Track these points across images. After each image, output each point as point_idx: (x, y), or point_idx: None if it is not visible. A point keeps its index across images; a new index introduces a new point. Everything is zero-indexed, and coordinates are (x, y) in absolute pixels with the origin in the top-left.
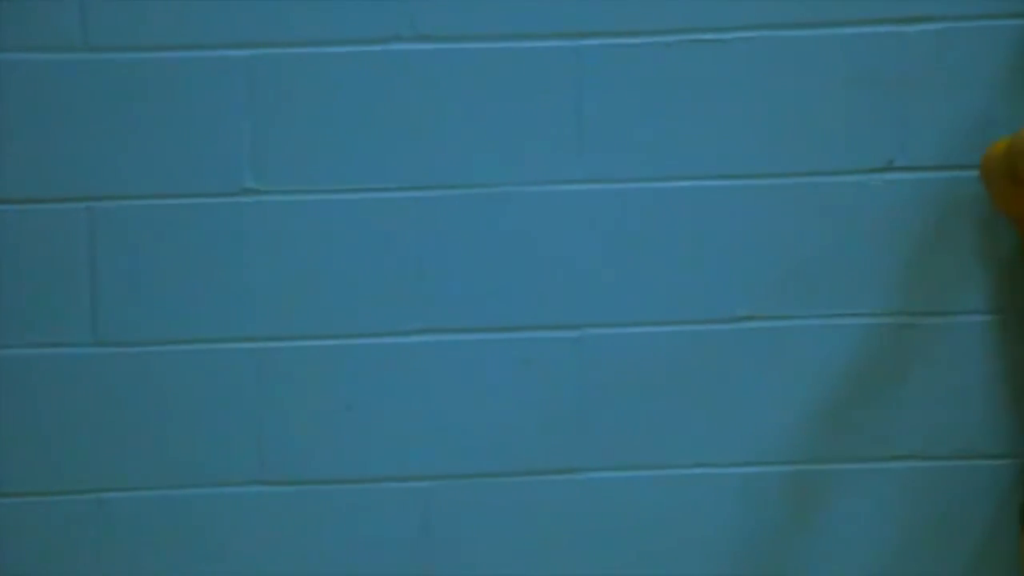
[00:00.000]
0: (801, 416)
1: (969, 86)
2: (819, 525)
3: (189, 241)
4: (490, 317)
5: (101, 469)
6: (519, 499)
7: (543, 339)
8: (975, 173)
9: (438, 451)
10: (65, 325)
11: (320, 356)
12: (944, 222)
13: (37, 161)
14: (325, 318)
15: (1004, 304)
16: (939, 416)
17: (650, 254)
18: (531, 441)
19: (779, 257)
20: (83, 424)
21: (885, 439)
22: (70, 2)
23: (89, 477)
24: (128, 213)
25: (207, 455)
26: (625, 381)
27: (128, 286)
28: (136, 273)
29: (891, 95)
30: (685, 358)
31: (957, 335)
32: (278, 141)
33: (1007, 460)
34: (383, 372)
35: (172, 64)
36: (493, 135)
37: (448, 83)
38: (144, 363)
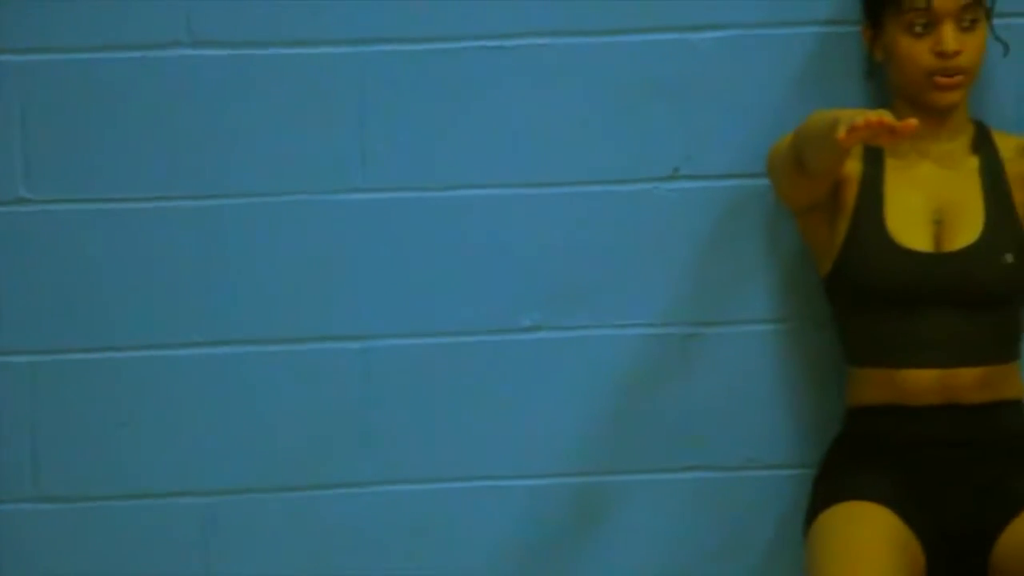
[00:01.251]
0: (587, 427)
1: (754, 95)
2: (606, 536)
3: None
4: (271, 328)
5: None
6: (302, 513)
7: (326, 350)
8: (760, 181)
9: (218, 466)
10: None
11: (93, 371)
12: (729, 231)
13: None
14: (98, 331)
15: (788, 313)
16: (725, 426)
17: (435, 264)
18: (315, 454)
19: (565, 267)
20: None
21: (671, 450)
22: None
23: None
24: None
25: None
26: (410, 393)
27: None
28: None
29: (676, 103)
30: (470, 369)
31: (742, 344)
32: (50, 151)
33: (792, 470)
34: (160, 387)
35: None
36: (274, 142)
37: (227, 90)
38: None
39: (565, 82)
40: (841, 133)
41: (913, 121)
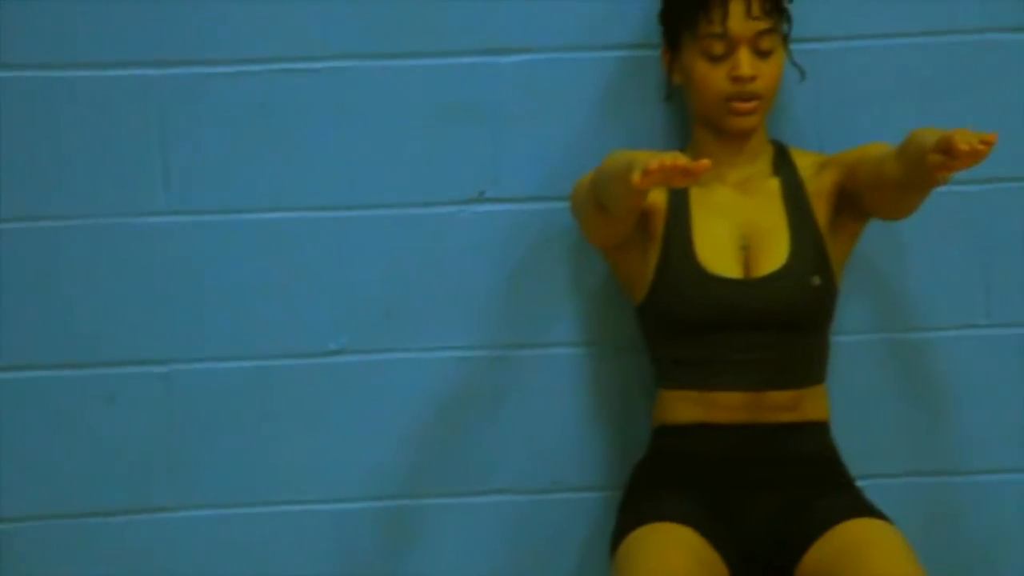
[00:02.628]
0: (395, 451)
1: (558, 118)
2: (414, 560)
3: None
4: (73, 352)
5: None
6: (105, 541)
7: (130, 375)
8: (566, 204)
9: (11, 492)
10: None
11: None
12: (536, 254)
13: None
14: None
15: (595, 336)
16: (532, 449)
17: (240, 287)
18: (119, 479)
19: (372, 290)
20: None
21: (479, 473)
22: None
23: None
24: None
25: None
26: (215, 417)
27: None
28: None
29: (482, 126)
30: (276, 393)
31: (549, 367)
32: None
33: (599, 492)
34: None
35: None
36: (74, 165)
37: (26, 112)
38: None
39: (371, 104)
40: (636, 178)
41: (706, 162)
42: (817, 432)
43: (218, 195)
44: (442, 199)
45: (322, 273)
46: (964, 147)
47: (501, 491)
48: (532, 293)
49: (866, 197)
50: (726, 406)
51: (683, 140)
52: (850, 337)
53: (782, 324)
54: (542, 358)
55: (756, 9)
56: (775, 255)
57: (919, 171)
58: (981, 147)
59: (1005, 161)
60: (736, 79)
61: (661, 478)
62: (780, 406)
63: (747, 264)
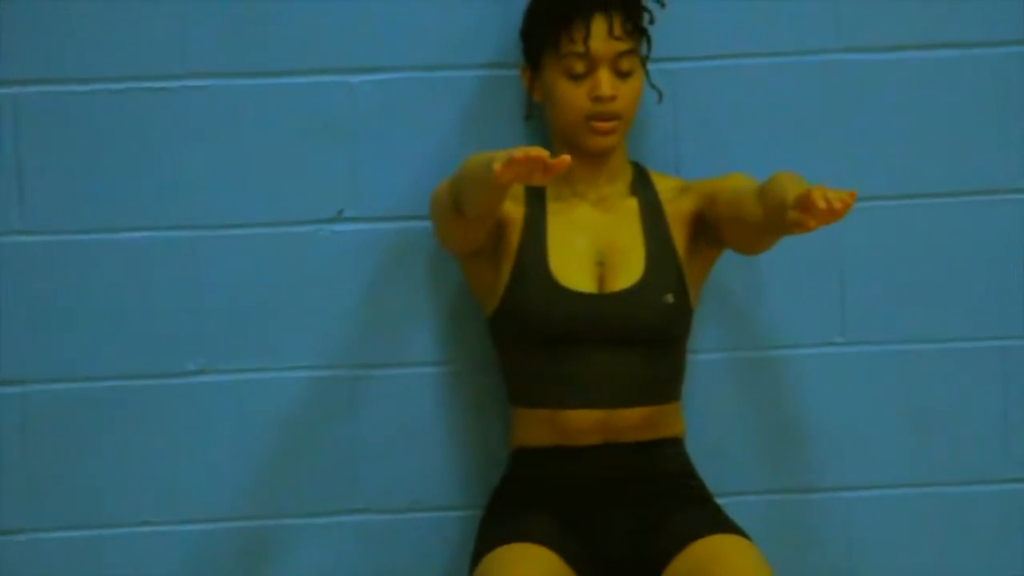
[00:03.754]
0: (253, 470)
1: (417, 137)
2: None
3: None
4: None
5: None
6: None
7: None
8: (424, 223)
9: None
10: None
11: None
12: (394, 273)
13: None
14: None
15: (453, 354)
16: (390, 468)
17: (97, 306)
18: None
19: (230, 309)
20: None
21: (337, 492)
22: None
23: None
24: None
25: None
26: (70, 438)
27: None
28: None
29: (341, 145)
30: (133, 413)
31: (407, 386)
32: None
33: (458, 511)
34: None
35: None
36: None
37: None
38: None
39: (228, 123)
40: (498, 167)
41: (566, 158)
42: (673, 449)
43: (74, 214)
44: (301, 218)
45: (180, 293)
46: (822, 205)
47: (360, 511)
48: (390, 312)
49: (723, 229)
50: (579, 426)
51: None
52: (707, 355)
53: (634, 340)
54: (400, 377)
55: (618, 30)
56: (630, 272)
57: (778, 220)
58: (838, 206)
59: (860, 180)
60: (596, 99)
61: (519, 498)
62: (634, 425)
63: (602, 280)
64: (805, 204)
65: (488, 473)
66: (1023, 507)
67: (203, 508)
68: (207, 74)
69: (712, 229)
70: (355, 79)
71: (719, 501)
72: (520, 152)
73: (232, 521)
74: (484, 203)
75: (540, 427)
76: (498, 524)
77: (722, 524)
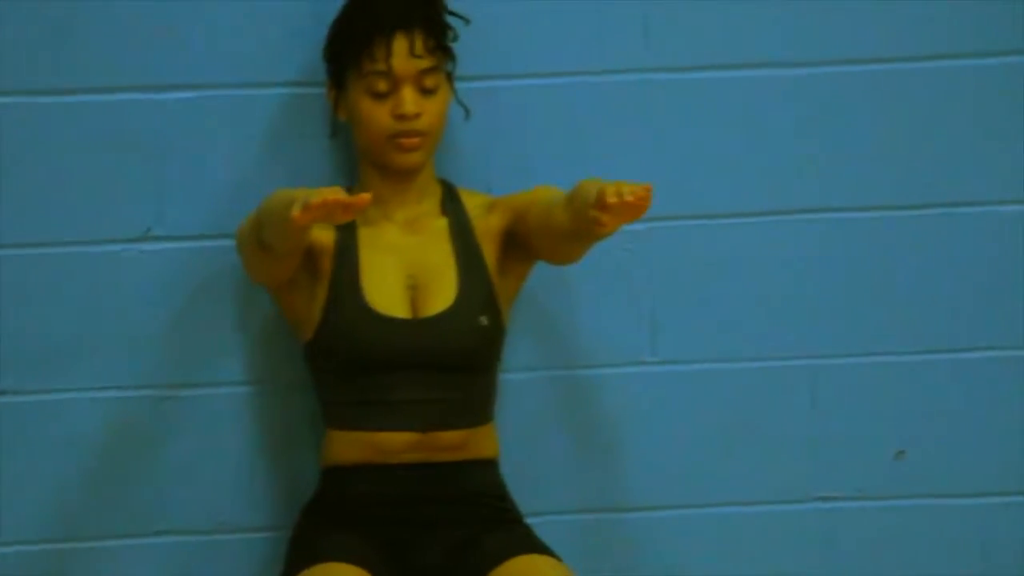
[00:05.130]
0: (59, 492)
1: (223, 156)
2: None
3: None
4: None
5: None
6: None
7: None
8: (232, 242)
9: None
10: None
11: None
12: (202, 292)
13: None
14: None
15: (262, 375)
16: (199, 489)
17: None
18: None
19: (36, 329)
20: None
21: (145, 514)
22: None
23: None
24: None
25: None
26: None
27: None
28: None
29: (147, 163)
30: None
31: (216, 407)
32: None
33: (266, 532)
34: None
35: None
36: None
37: None
38: None
39: (35, 141)
40: (295, 214)
41: (366, 196)
42: (486, 470)
43: None
44: (107, 237)
45: None
46: (613, 200)
47: (166, 532)
48: (198, 332)
49: (534, 242)
50: (394, 448)
51: (350, 177)
52: (519, 375)
53: (450, 365)
54: (208, 397)
55: (419, 48)
56: (443, 295)
57: (583, 223)
58: (630, 199)
59: (667, 200)
60: (400, 116)
61: (330, 518)
62: (449, 446)
63: (415, 304)
64: (601, 202)
65: (298, 495)
66: (830, 525)
67: (8, 530)
68: (12, 92)
69: (523, 242)
70: (162, 96)
71: (530, 521)
72: (316, 199)
73: (37, 544)
74: (287, 242)
75: (354, 447)
76: (306, 543)
77: (532, 544)
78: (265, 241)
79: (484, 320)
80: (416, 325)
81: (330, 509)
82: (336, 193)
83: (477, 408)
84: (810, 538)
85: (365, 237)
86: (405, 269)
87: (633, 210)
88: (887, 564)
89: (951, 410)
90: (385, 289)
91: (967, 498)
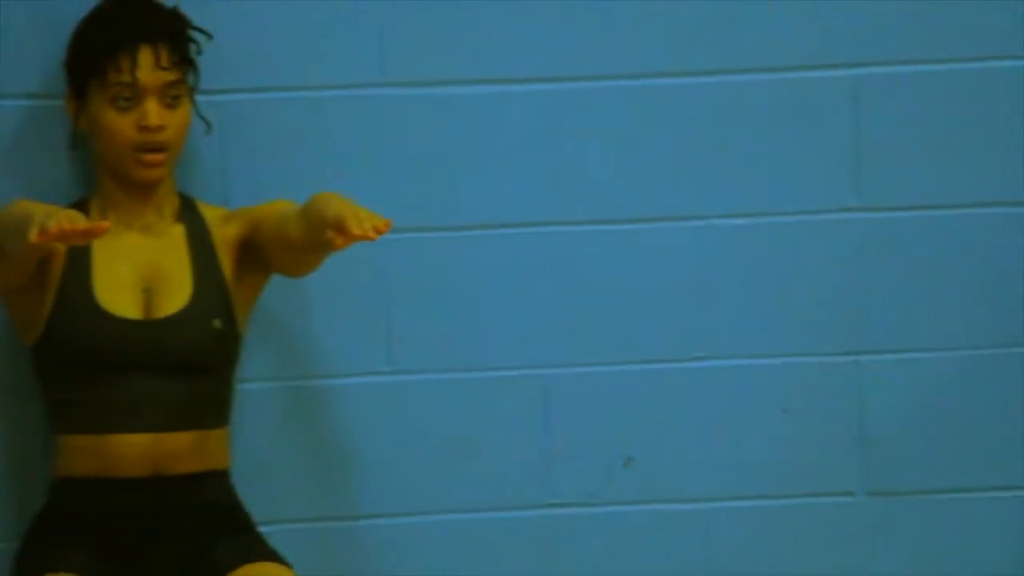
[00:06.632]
0: None
1: None
2: None
3: None
4: None
5: None
6: None
7: None
8: None
9: None
10: None
11: None
12: None
13: None
14: None
15: None
16: None
17: None
18: None
19: None
20: None
21: None
22: None
23: None
24: None
25: None
26: None
27: None
28: None
29: None
30: None
31: None
32: None
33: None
34: None
35: None
36: None
37: None
38: None
39: None
40: (33, 237)
41: (105, 224)
42: (218, 481)
43: None
44: None
45: None
46: (357, 232)
47: None
48: None
49: (269, 253)
50: (126, 453)
51: (89, 188)
52: (255, 384)
53: (181, 366)
54: None
55: (164, 60)
56: (177, 298)
57: (317, 237)
58: (371, 234)
59: (403, 212)
60: (144, 129)
61: (59, 530)
62: (181, 452)
63: (148, 306)
64: (340, 227)
65: (28, 505)
66: (560, 531)
67: None
68: None
69: (258, 253)
70: None
71: (264, 530)
72: (54, 226)
73: None
74: (24, 255)
75: (84, 456)
76: (33, 556)
77: (264, 552)
78: (2, 250)
79: (218, 323)
80: (148, 325)
81: (60, 521)
82: (74, 221)
83: (210, 411)
84: (541, 544)
85: (100, 241)
86: (139, 272)
87: (369, 239)
88: (615, 568)
89: (677, 418)
90: (117, 290)
91: (691, 503)
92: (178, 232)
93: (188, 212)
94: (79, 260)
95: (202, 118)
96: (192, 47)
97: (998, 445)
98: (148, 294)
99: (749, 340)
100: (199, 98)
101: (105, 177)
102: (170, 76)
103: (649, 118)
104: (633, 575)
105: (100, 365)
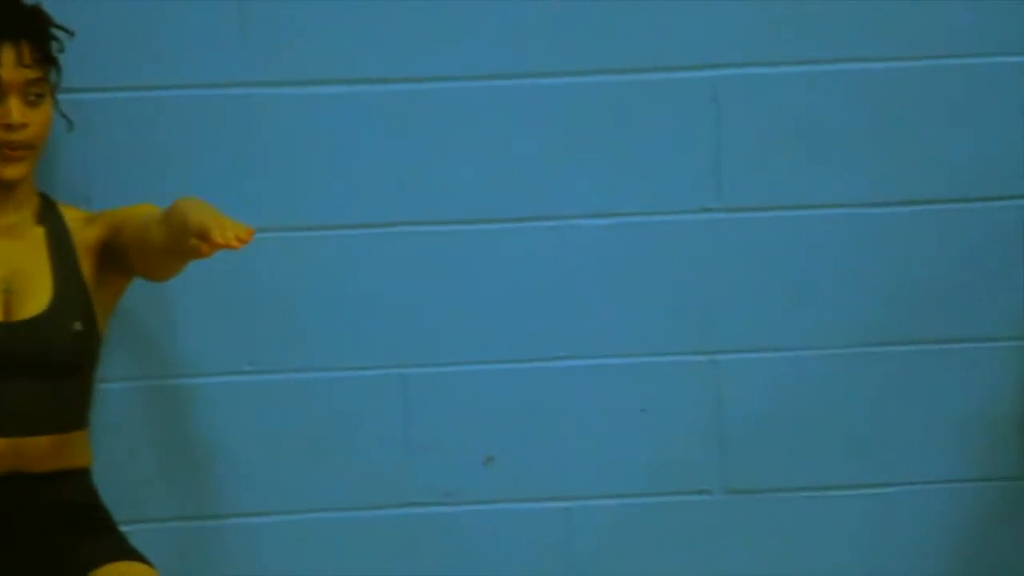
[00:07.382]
0: None
1: None
2: None
3: None
4: None
5: None
6: None
7: None
8: None
9: None
10: None
11: None
12: None
13: None
14: None
15: None
16: None
17: None
18: None
19: None
20: None
21: None
22: None
23: None
24: None
25: None
26: None
27: None
28: None
29: None
30: None
31: None
32: None
33: None
34: None
35: None
36: None
37: None
38: None
39: None
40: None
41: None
42: (78, 480)
43: None
44: None
45: None
46: (220, 241)
47: None
48: None
49: (130, 257)
50: None
51: None
52: (115, 384)
53: (42, 368)
54: None
55: (27, 57)
56: (37, 300)
57: (179, 244)
58: (235, 243)
59: (260, 213)
60: (6, 126)
61: None
62: (41, 454)
63: (8, 308)
64: (204, 236)
65: None
66: (419, 529)
67: None
68: None
69: (120, 257)
70: None
71: (125, 529)
72: (234, 240)
73: None
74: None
75: None
76: None
77: (125, 551)
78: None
79: (78, 326)
80: (7, 328)
81: None
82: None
83: (69, 413)
84: (402, 543)
85: None
86: None
87: (233, 248)
88: (476, 567)
89: (537, 417)
90: None
91: (552, 501)
92: (39, 234)
93: (49, 213)
94: None
95: (64, 116)
96: (54, 45)
97: (853, 443)
98: (7, 296)
99: (609, 340)
100: (61, 96)
101: None
102: (32, 74)
103: (511, 119)
104: (494, 574)
105: None
